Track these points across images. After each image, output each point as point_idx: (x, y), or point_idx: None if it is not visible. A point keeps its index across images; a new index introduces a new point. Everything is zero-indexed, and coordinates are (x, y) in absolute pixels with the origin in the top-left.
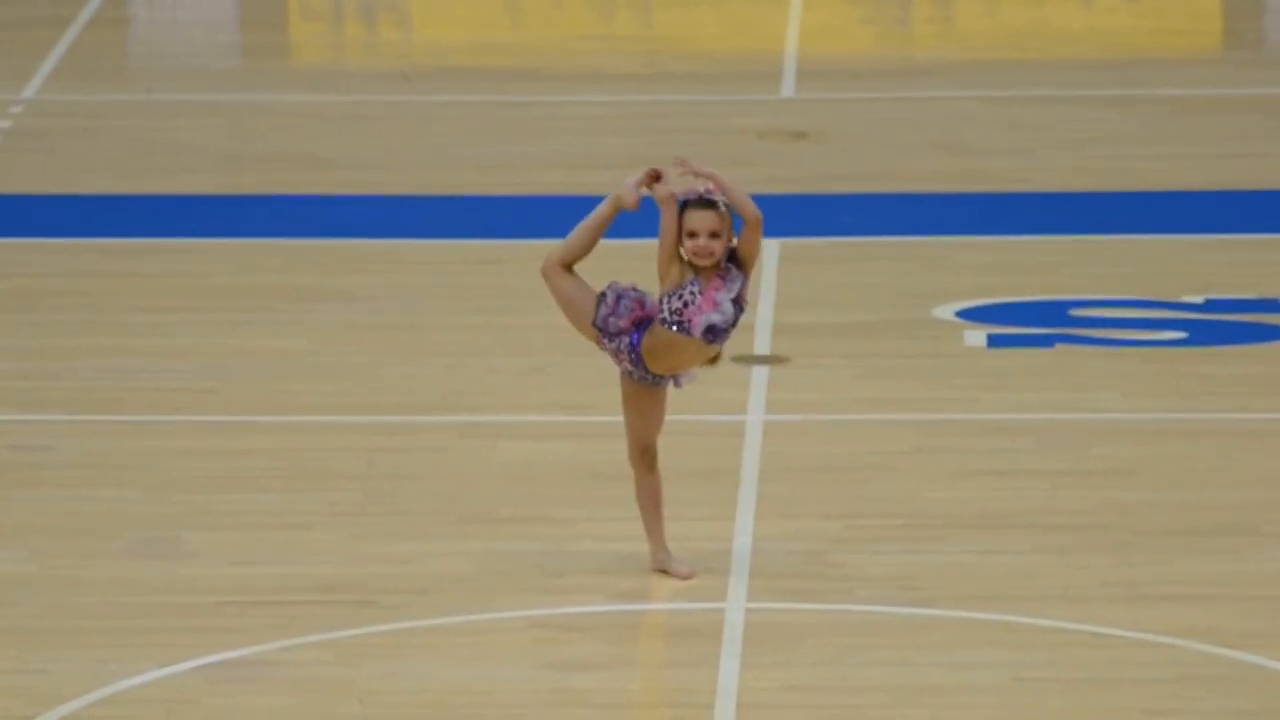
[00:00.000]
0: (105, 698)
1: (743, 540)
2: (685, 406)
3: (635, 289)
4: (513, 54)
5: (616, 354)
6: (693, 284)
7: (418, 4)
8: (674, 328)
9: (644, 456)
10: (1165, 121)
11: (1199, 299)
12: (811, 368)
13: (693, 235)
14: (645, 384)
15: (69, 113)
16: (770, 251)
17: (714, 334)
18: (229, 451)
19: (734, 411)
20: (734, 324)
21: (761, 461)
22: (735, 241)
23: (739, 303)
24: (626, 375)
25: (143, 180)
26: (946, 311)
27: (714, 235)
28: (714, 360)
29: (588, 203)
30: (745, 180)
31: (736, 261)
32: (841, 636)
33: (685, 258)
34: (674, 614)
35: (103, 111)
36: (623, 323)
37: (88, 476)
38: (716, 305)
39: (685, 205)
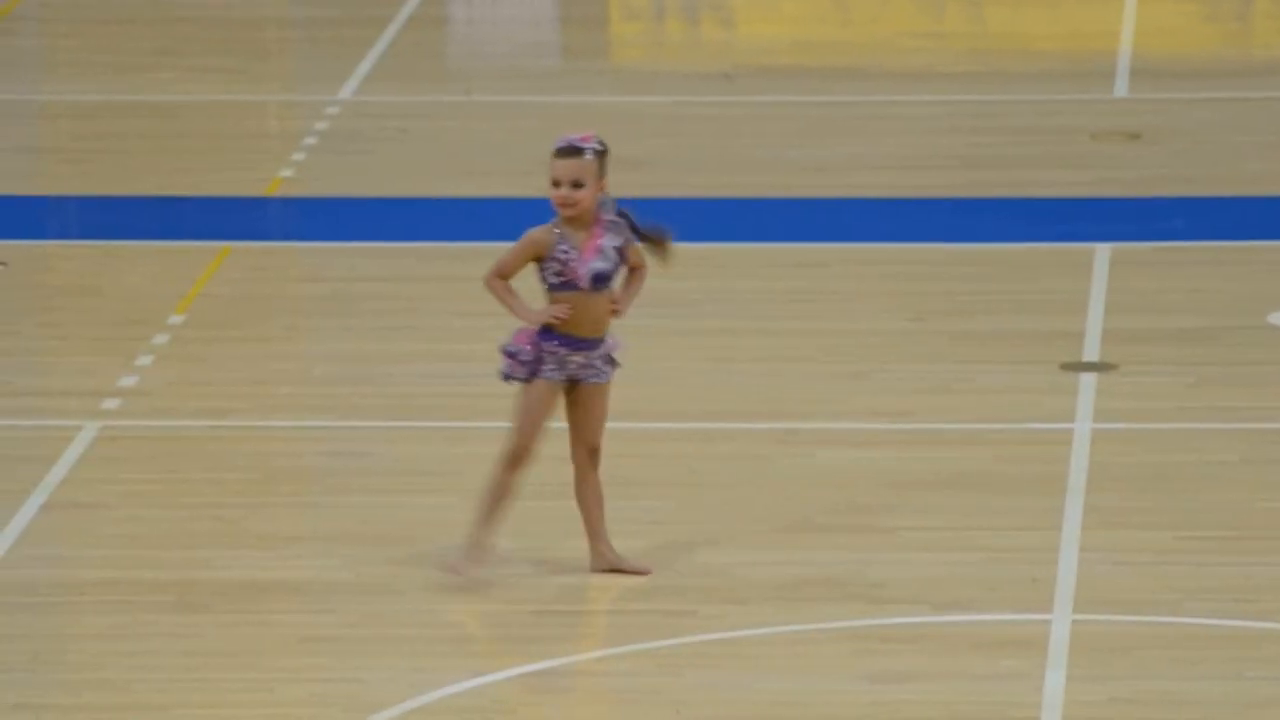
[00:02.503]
0: (420, 706)
1: (1069, 551)
2: (1012, 415)
3: (513, 345)
4: (838, 52)
5: (557, 369)
6: (561, 244)
7: (741, 2)
8: (562, 290)
9: (592, 457)
10: None
11: None
12: (1141, 375)
13: (556, 185)
14: (593, 383)
15: (386, 114)
16: (1101, 256)
17: (601, 280)
18: (547, 457)
19: (1062, 420)
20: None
21: (1089, 470)
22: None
23: (623, 252)
24: (563, 383)
25: (461, 182)
26: None
27: (576, 185)
28: (664, 256)
29: (916, 205)
30: (1077, 182)
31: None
32: (1169, 649)
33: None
34: (997, 625)
35: (420, 112)
36: (529, 355)
37: (405, 483)
38: (600, 252)
39: (554, 153)
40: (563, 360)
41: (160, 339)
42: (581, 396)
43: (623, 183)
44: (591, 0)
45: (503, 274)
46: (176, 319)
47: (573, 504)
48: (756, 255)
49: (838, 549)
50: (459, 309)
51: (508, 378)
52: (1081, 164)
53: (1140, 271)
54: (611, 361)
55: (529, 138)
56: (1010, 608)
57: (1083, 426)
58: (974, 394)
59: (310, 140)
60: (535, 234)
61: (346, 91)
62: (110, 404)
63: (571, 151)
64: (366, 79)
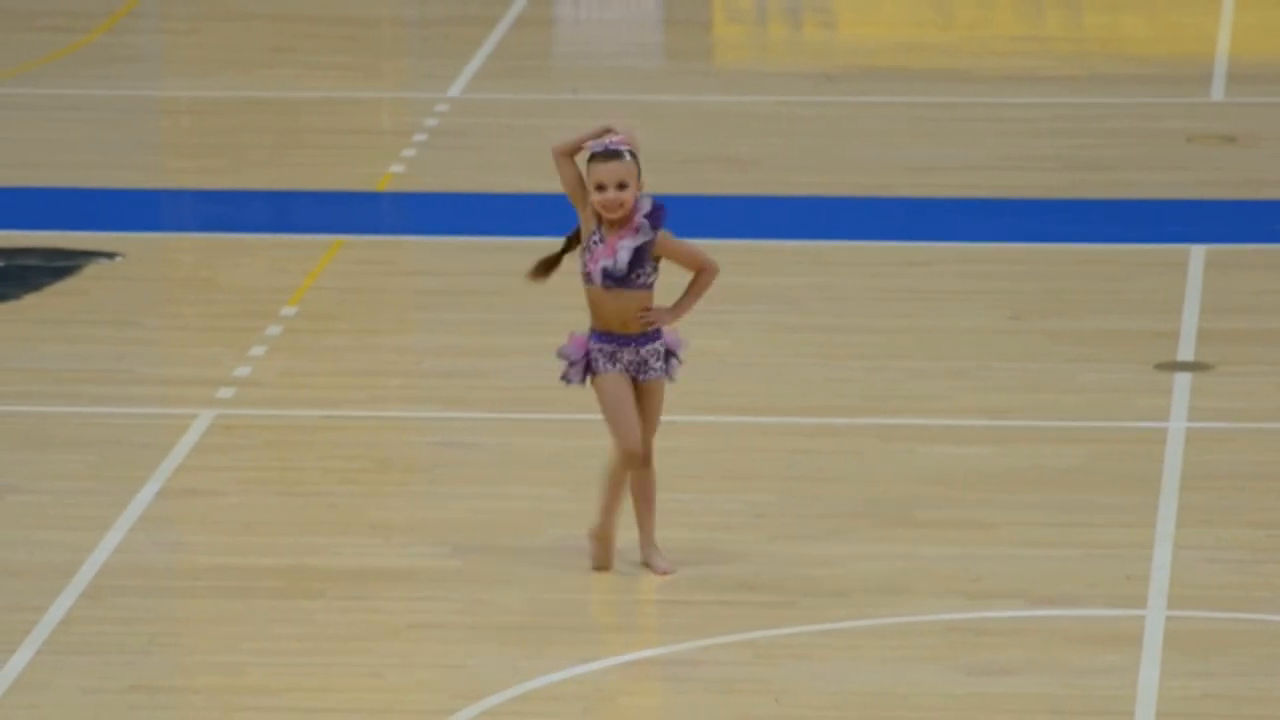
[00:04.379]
0: (524, 694)
1: (1164, 548)
2: (1108, 413)
3: (564, 348)
4: (939, 55)
5: (609, 362)
6: (595, 234)
7: (844, 4)
8: (585, 281)
9: (643, 457)
10: None
11: None
12: (1237, 375)
13: (600, 188)
14: (646, 379)
15: (493, 112)
16: (1196, 257)
17: (611, 279)
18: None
19: (1157, 418)
20: (628, 273)
21: (1184, 469)
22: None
23: (642, 254)
24: (625, 375)
25: None
26: None
27: (621, 186)
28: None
29: (1016, 205)
30: (1174, 184)
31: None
32: (1264, 647)
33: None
34: (1094, 620)
35: (526, 111)
36: (577, 354)
37: (512, 474)
38: (614, 252)
39: (592, 158)
40: (611, 355)
41: (274, 330)
42: (639, 392)
43: (727, 182)
44: (696, 2)
45: (565, 150)
46: (290, 311)
47: (678, 495)
48: (860, 253)
49: (937, 543)
50: (565, 303)
51: (565, 380)
52: (1178, 166)
53: (1235, 273)
54: (668, 358)
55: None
56: (1106, 603)
57: (1177, 425)
58: (1071, 392)
59: (420, 137)
60: (589, 206)
61: (456, 89)
62: (225, 393)
63: (612, 155)
64: (475, 77)
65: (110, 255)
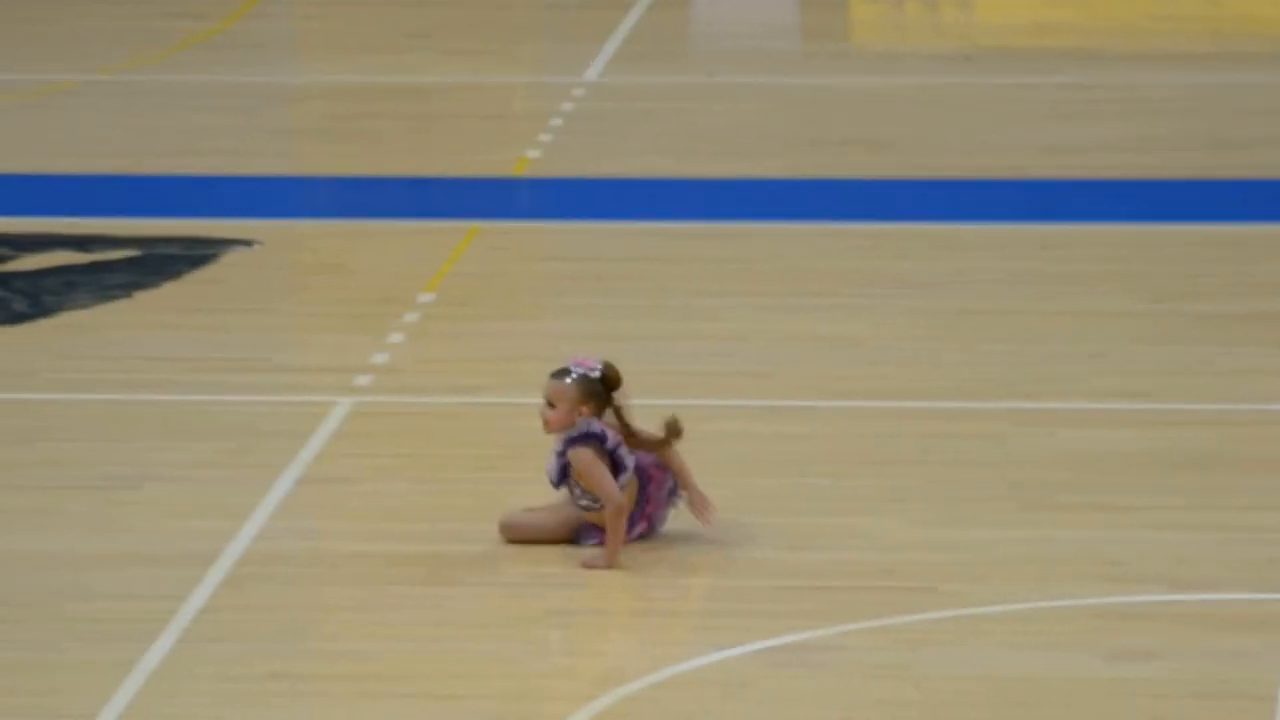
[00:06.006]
0: (663, 680)
1: None
2: (1250, 396)
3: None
4: (1077, 34)
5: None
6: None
7: None
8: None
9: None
10: None
11: None
12: None
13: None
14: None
15: (629, 96)
16: None
17: (551, 480)
18: (787, 436)
19: None
20: (561, 479)
21: None
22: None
23: (565, 471)
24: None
25: (702, 163)
26: None
27: (550, 404)
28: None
29: (1155, 186)
30: None
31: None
32: None
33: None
34: (1235, 604)
35: (662, 94)
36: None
37: None
38: (551, 455)
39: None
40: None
41: (411, 317)
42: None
43: (863, 164)
44: None
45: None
46: (427, 297)
47: (815, 480)
48: (996, 236)
49: (1077, 527)
50: (702, 288)
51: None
52: None
53: None
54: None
55: (770, 120)
56: (1248, 587)
57: None
58: (1212, 375)
59: (557, 121)
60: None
61: (593, 73)
62: (362, 380)
63: (558, 374)
64: (612, 60)
65: (248, 243)
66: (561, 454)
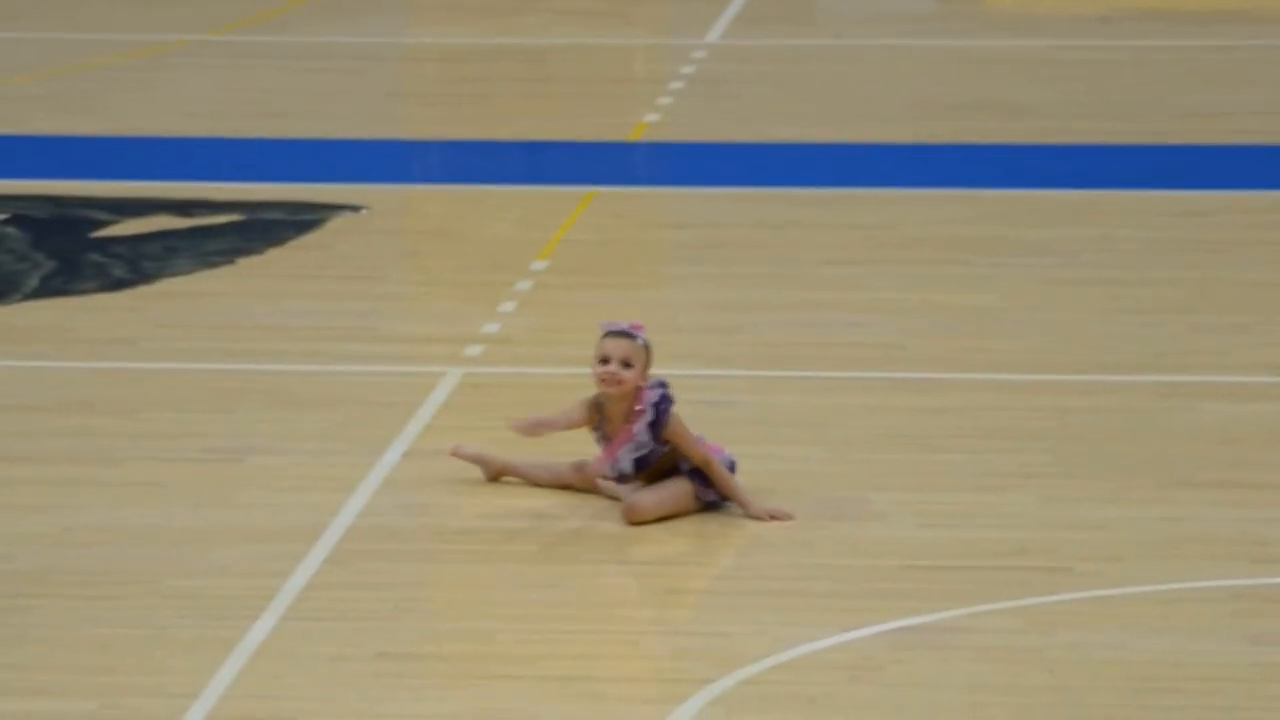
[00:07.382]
0: (786, 662)
1: None
2: None
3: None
4: None
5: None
6: (598, 429)
7: None
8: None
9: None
10: None
11: None
12: None
13: (604, 361)
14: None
15: (752, 58)
16: None
17: (620, 478)
18: (917, 409)
19: None
20: (636, 471)
21: None
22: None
23: (647, 459)
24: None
25: (830, 127)
26: None
27: (626, 364)
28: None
29: None
30: None
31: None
32: None
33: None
34: None
35: (787, 56)
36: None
37: (769, 433)
38: (615, 461)
39: (605, 334)
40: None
41: (523, 285)
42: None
43: (999, 130)
44: None
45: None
46: (540, 265)
47: (947, 455)
48: (1136, 203)
49: (1219, 505)
50: (825, 257)
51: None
52: None
53: None
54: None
55: (898, 83)
56: None
57: None
58: None
59: (676, 85)
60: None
61: (714, 35)
62: (473, 350)
63: (624, 334)
64: (735, 21)
65: (355, 208)
66: (655, 424)
